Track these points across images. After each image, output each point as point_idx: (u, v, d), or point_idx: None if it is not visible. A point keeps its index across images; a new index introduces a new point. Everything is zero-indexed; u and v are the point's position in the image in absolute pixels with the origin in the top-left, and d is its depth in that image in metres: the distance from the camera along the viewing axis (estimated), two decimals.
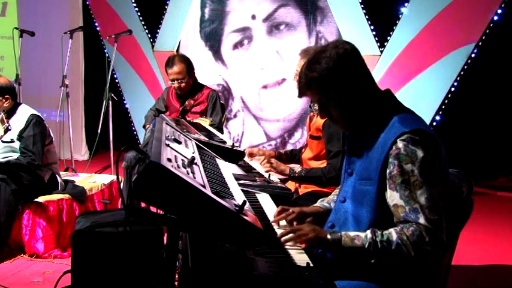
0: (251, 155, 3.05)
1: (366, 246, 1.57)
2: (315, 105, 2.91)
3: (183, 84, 3.93)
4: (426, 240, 1.53)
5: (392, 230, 1.58)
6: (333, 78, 1.68)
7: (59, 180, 3.76)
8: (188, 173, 1.51)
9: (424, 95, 5.32)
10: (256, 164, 2.97)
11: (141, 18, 6.37)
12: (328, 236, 1.62)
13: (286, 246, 1.71)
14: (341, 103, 1.71)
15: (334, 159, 2.74)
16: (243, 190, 2.00)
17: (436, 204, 1.56)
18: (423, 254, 1.55)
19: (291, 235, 1.68)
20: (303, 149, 3.11)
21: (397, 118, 1.66)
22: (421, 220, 1.54)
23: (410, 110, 1.76)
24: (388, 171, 1.61)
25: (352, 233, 1.62)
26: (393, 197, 1.60)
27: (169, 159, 1.51)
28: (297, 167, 2.86)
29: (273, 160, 2.90)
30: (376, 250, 1.56)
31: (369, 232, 1.59)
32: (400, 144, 1.59)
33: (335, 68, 1.67)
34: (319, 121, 2.84)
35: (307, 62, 1.74)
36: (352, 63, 1.70)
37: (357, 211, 1.71)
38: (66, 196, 3.68)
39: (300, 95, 2.51)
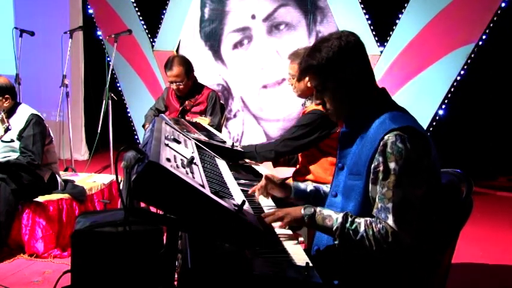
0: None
1: (334, 229, 1.64)
2: (306, 102, 2.93)
3: (181, 87, 3.93)
4: (389, 241, 1.56)
5: (362, 221, 1.61)
6: (330, 69, 1.70)
7: (59, 180, 3.75)
8: (187, 173, 1.51)
9: (424, 95, 5.31)
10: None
11: (141, 18, 6.36)
12: (303, 212, 1.71)
13: (285, 246, 1.71)
14: (335, 94, 1.74)
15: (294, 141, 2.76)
16: (242, 190, 2.00)
17: (409, 206, 1.57)
18: (384, 253, 1.59)
19: (269, 219, 1.74)
20: None
21: (388, 115, 1.67)
22: (389, 221, 1.57)
23: (403, 108, 1.76)
24: (372, 165, 1.62)
25: (325, 212, 1.69)
26: (373, 191, 1.63)
27: (168, 159, 1.51)
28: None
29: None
30: (342, 235, 1.63)
31: (340, 216, 1.64)
32: (388, 140, 1.60)
33: (334, 59, 1.69)
34: None
35: (310, 48, 1.78)
36: (352, 56, 1.71)
37: (345, 206, 1.73)
38: (66, 196, 3.68)
39: (299, 79, 2.74)
